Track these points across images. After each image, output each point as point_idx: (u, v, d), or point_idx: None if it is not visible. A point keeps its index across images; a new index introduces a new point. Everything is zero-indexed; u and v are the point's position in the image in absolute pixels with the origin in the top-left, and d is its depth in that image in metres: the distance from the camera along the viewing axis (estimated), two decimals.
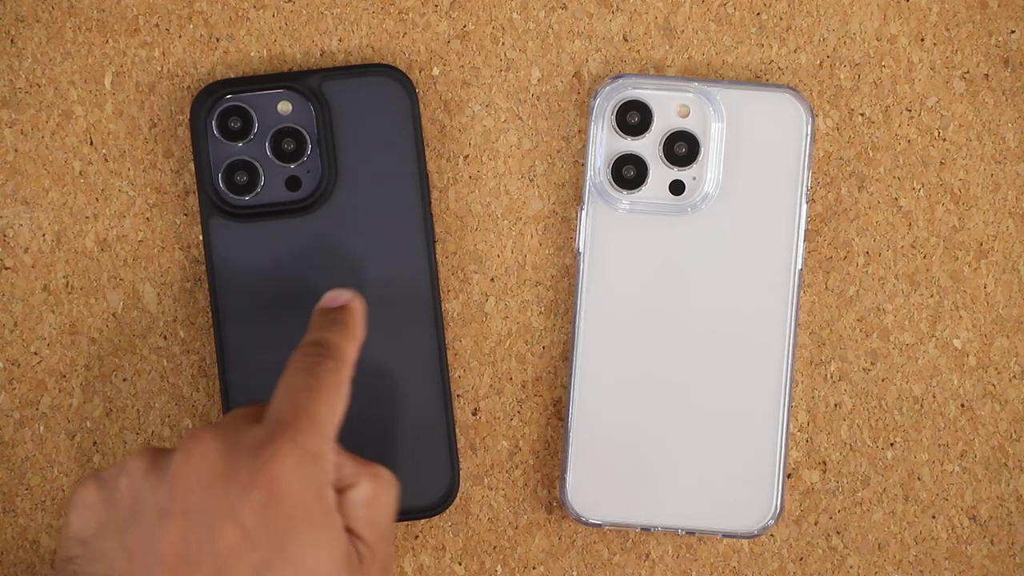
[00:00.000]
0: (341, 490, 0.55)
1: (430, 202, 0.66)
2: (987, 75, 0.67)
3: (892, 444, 0.67)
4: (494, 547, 0.67)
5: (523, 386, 0.67)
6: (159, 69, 0.66)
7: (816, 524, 0.67)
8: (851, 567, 0.67)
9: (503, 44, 0.67)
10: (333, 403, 0.56)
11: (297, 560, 0.52)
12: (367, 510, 0.55)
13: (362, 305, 0.60)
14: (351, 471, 0.55)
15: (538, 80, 0.67)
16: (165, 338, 0.67)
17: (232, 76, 0.66)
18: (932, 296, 0.67)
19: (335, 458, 0.55)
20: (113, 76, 0.66)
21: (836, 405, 0.67)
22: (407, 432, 0.65)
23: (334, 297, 0.60)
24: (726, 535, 0.65)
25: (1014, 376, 0.67)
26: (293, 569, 0.52)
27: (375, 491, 0.55)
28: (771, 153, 0.65)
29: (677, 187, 0.65)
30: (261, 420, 0.55)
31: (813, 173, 0.67)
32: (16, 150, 0.66)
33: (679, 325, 0.65)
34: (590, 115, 0.65)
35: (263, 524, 0.52)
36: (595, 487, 0.65)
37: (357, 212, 0.65)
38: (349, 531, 0.54)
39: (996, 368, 0.67)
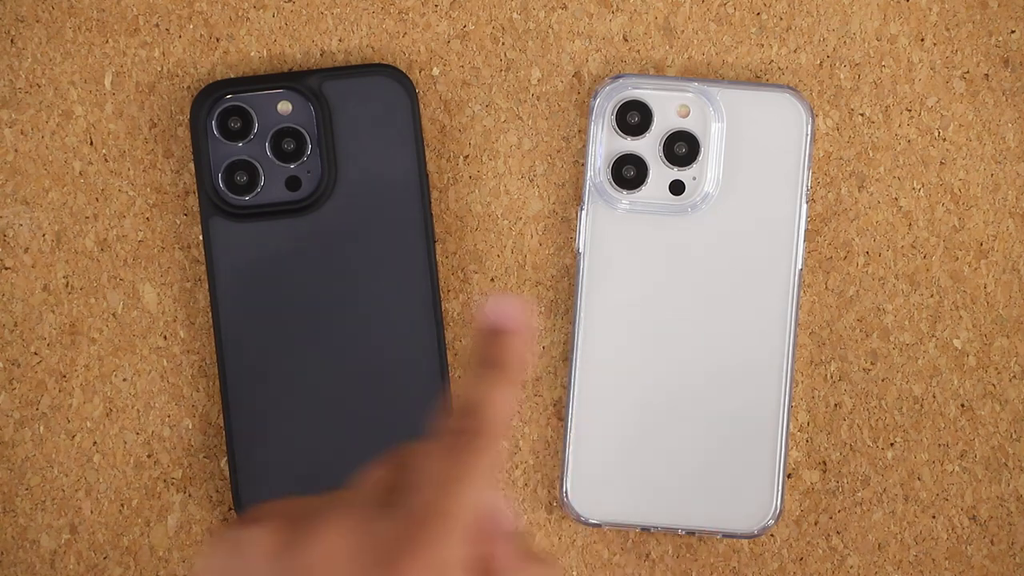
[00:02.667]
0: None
1: (430, 202, 0.66)
2: (987, 75, 0.67)
3: (892, 444, 0.67)
4: None
5: (523, 386, 0.67)
6: (159, 69, 0.66)
7: (816, 524, 0.67)
8: (851, 567, 0.67)
9: (503, 44, 0.67)
10: (482, 490, 0.48)
11: None
12: None
13: (532, 323, 0.52)
14: (505, 566, 0.49)
15: (538, 80, 0.67)
16: (165, 338, 0.67)
17: (232, 76, 0.66)
18: (932, 296, 0.67)
19: (471, 548, 0.48)
20: (113, 76, 0.66)
21: (836, 405, 0.67)
22: (407, 432, 0.65)
23: (502, 309, 0.49)
24: (726, 535, 0.65)
25: (1014, 376, 0.67)
26: None
27: None
28: (771, 153, 0.65)
29: (677, 187, 0.65)
30: (394, 497, 0.50)
31: (813, 173, 0.67)
32: (16, 150, 0.66)
33: (679, 325, 0.65)
34: (590, 115, 0.65)
35: None
36: (595, 487, 0.65)
37: (357, 212, 0.65)
38: None
39: (996, 368, 0.67)
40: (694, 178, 0.65)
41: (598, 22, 0.67)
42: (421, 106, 0.66)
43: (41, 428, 0.67)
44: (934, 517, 0.67)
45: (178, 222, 0.67)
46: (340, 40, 0.67)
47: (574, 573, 0.67)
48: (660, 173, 0.65)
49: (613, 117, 0.65)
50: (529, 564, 0.49)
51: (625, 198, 0.65)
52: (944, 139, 0.67)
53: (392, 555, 0.48)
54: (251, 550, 0.50)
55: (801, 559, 0.67)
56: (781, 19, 0.67)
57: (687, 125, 0.65)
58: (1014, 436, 0.67)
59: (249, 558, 0.50)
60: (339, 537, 0.48)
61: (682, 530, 0.65)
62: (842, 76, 0.67)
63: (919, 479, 0.67)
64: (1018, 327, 0.67)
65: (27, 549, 0.67)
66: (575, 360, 0.65)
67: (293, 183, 0.65)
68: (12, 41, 0.66)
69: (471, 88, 0.67)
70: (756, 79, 0.67)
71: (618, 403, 0.65)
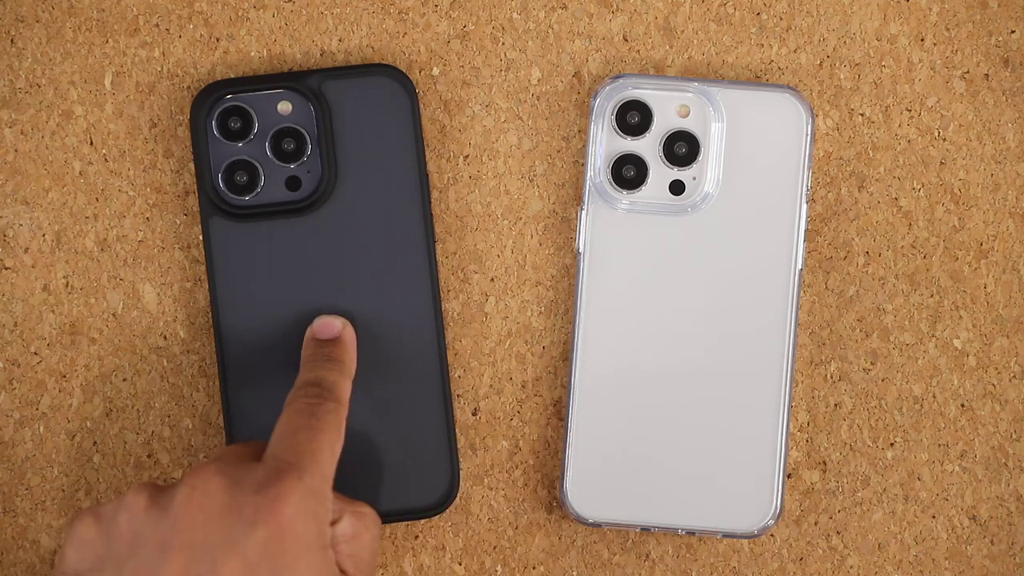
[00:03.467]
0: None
1: (430, 202, 0.66)
2: (987, 75, 0.67)
3: (892, 444, 0.67)
4: (494, 547, 0.67)
5: (523, 386, 0.67)
6: (159, 69, 0.66)
7: (816, 524, 0.67)
8: (851, 567, 0.67)
9: (503, 44, 0.67)
10: (333, 443, 0.57)
11: None
12: (348, 545, 0.57)
13: (353, 336, 0.63)
14: (336, 507, 0.57)
15: (538, 80, 0.67)
16: (165, 338, 0.67)
17: (232, 76, 0.66)
18: (932, 296, 0.67)
19: (331, 495, 0.56)
20: (113, 76, 0.66)
21: (836, 405, 0.67)
22: (407, 432, 0.65)
23: (326, 325, 0.63)
24: (726, 535, 0.65)
25: (1014, 376, 0.67)
26: None
27: (356, 527, 0.57)
28: (771, 153, 0.65)
29: (677, 187, 0.65)
30: (260, 459, 0.57)
31: (813, 173, 0.67)
32: (16, 150, 0.66)
33: (679, 325, 0.65)
34: (590, 115, 0.65)
35: (266, 558, 0.53)
36: (595, 487, 0.65)
37: (357, 212, 0.65)
38: None
39: (996, 368, 0.67)
40: (694, 178, 0.65)
41: (598, 22, 0.67)
42: (421, 106, 0.66)
43: (41, 428, 0.67)
44: (934, 517, 0.67)
45: (178, 222, 0.67)
46: (340, 40, 0.67)
47: (574, 573, 0.67)
48: (660, 173, 0.65)
49: (613, 117, 0.65)
50: (350, 504, 0.58)
51: (625, 198, 0.65)
52: (944, 139, 0.67)
53: (269, 485, 0.53)
54: (122, 516, 0.54)
55: (801, 559, 0.67)
56: (781, 19, 0.67)
57: (687, 125, 0.65)
58: (1014, 436, 0.67)
59: (122, 523, 0.54)
60: (213, 477, 0.53)
61: (682, 530, 0.65)
62: (842, 76, 0.67)
63: (919, 479, 0.67)
64: (1018, 327, 0.67)
65: (27, 549, 0.67)
66: (575, 360, 0.65)
67: (293, 183, 0.65)
68: (12, 41, 0.66)
69: (471, 88, 0.67)
70: (756, 79, 0.67)
71: (618, 403, 0.65)
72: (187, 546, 0.53)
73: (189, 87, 0.66)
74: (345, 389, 0.60)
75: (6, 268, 0.67)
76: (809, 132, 0.65)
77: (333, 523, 0.57)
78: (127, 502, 0.56)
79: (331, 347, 0.62)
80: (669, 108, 0.65)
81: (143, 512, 0.55)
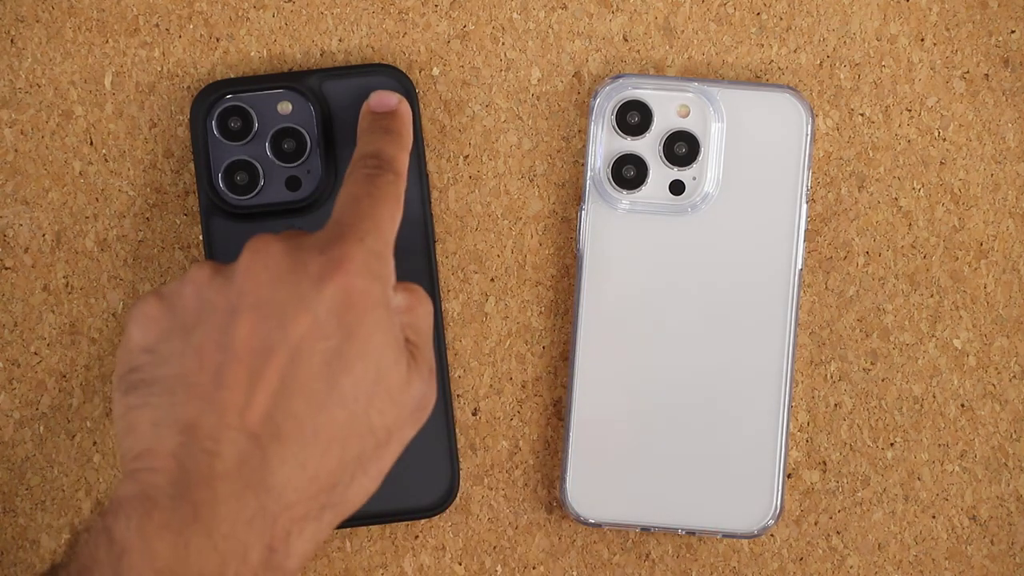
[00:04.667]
0: None
1: (430, 202, 0.66)
2: (987, 75, 0.67)
3: (892, 444, 0.67)
4: (494, 547, 0.67)
5: (523, 386, 0.67)
6: (159, 69, 0.66)
7: (816, 524, 0.67)
8: (851, 567, 0.67)
9: (503, 44, 0.67)
10: (393, 211, 0.57)
11: (365, 349, 0.54)
12: (407, 316, 0.57)
13: (408, 110, 0.62)
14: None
15: (538, 80, 0.67)
16: None
17: (232, 76, 0.66)
18: (932, 296, 0.67)
19: (393, 259, 0.57)
20: (113, 76, 0.66)
21: (836, 405, 0.67)
22: None
23: (383, 100, 0.62)
24: (726, 535, 0.65)
25: (1014, 376, 0.67)
26: (362, 357, 0.54)
27: (411, 300, 0.57)
28: (771, 153, 0.65)
29: (677, 187, 0.65)
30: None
31: (813, 173, 0.67)
32: (16, 150, 0.66)
33: (679, 325, 0.65)
34: (590, 115, 0.65)
35: (333, 314, 0.53)
36: (595, 487, 0.65)
37: None
38: None
39: (996, 368, 0.67)
40: (694, 178, 0.65)
41: (598, 22, 0.67)
42: (421, 106, 0.66)
43: (41, 428, 0.67)
44: (934, 517, 0.67)
45: (178, 222, 0.67)
46: (340, 40, 0.67)
47: (574, 573, 0.67)
48: (660, 173, 0.65)
49: (613, 117, 0.65)
50: (399, 283, 0.57)
51: (625, 198, 0.65)
52: (944, 139, 0.67)
53: (332, 245, 0.54)
54: (187, 289, 0.54)
55: (801, 559, 0.67)
56: (781, 19, 0.67)
57: (687, 125, 0.65)
58: (1014, 436, 0.67)
59: (187, 296, 0.54)
60: (275, 242, 0.55)
61: (682, 530, 0.65)
62: (842, 76, 0.67)
63: (919, 479, 0.67)
64: (1018, 327, 0.67)
65: (27, 549, 0.67)
66: (575, 360, 0.65)
67: (293, 183, 0.65)
68: (12, 41, 0.66)
69: (471, 88, 0.67)
70: (756, 79, 0.67)
71: (618, 403, 0.65)
72: (255, 306, 0.53)
73: (189, 87, 0.66)
74: (403, 162, 0.60)
75: (6, 268, 0.67)
76: (809, 132, 0.65)
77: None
78: (190, 276, 0.55)
79: (388, 119, 0.61)
80: (669, 108, 0.65)
81: (208, 282, 0.55)
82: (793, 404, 0.67)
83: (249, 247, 0.55)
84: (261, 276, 0.54)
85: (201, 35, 0.66)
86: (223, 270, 0.55)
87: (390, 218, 0.57)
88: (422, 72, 0.67)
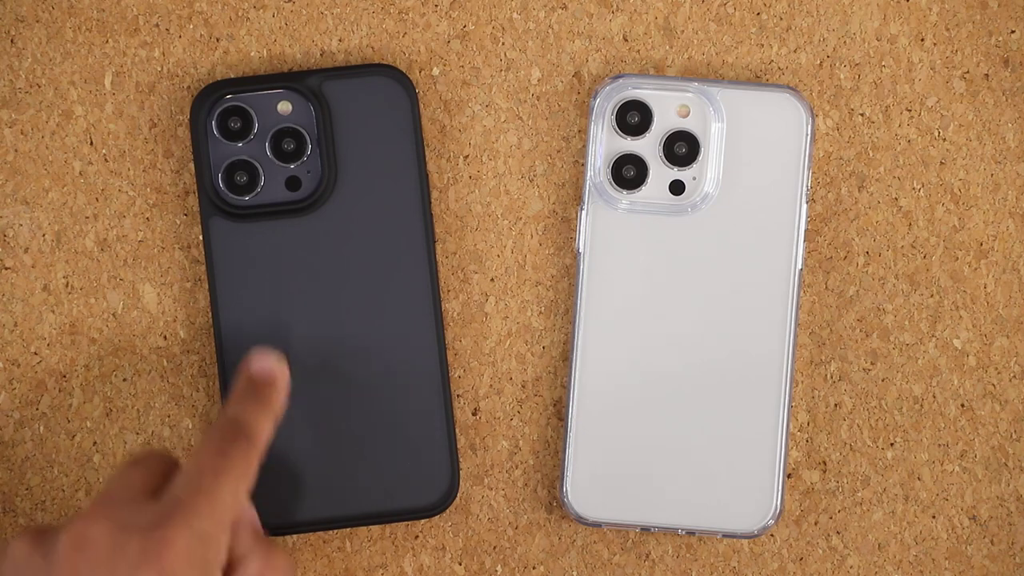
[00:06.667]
0: (231, 564, 0.56)
1: (430, 202, 0.66)
2: (987, 75, 0.67)
3: (892, 444, 0.67)
4: (494, 547, 0.67)
5: (523, 386, 0.67)
6: (159, 69, 0.66)
7: (816, 524, 0.67)
8: (851, 567, 0.67)
9: (503, 44, 0.67)
10: (237, 486, 0.56)
11: None
12: None
13: (286, 377, 0.61)
14: (245, 549, 0.57)
15: (538, 80, 0.67)
16: (165, 338, 0.67)
17: (232, 76, 0.66)
18: (932, 296, 0.67)
19: (228, 538, 0.56)
20: (113, 76, 0.66)
21: (836, 405, 0.67)
22: (407, 432, 0.65)
23: (262, 366, 0.61)
24: (726, 535, 0.65)
25: (1014, 376, 0.67)
26: None
27: (262, 571, 0.56)
28: (771, 153, 0.65)
29: (677, 187, 0.65)
30: (156, 486, 0.56)
31: (813, 173, 0.67)
32: (16, 150, 0.66)
33: (679, 325, 0.65)
34: (590, 115, 0.65)
35: None
36: (595, 487, 0.65)
37: (357, 212, 0.65)
38: None
39: (996, 368, 0.67)
40: (694, 178, 0.65)
41: (598, 22, 0.67)
42: (421, 106, 0.66)
43: (41, 428, 0.67)
44: (934, 517, 0.67)
45: (178, 222, 0.67)
46: (340, 40, 0.67)
47: (574, 573, 0.67)
48: (660, 173, 0.65)
49: (613, 117, 0.65)
50: (261, 547, 0.57)
51: (625, 198, 0.65)
52: (944, 139, 0.67)
53: (156, 528, 0.53)
54: (5, 566, 0.54)
55: (801, 559, 0.67)
56: (781, 19, 0.67)
57: (687, 125, 0.65)
58: (1014, 436, 0.67)
59: (4, 574, 0.53)
60: (97, 526, 0.53)
61: (682, 530, 0.65)
62: (842, 76, 0.67)
63: (919, 479, 0.67)
64: (1018, 327, 0.67)
65: None
66: (575, 360, 0.65)
67: (293, 183, 0.65)
68: (12, 41, 0.66)
69: (471, 88, 0.67)
70: (756, 79, 0.67)
71: (618, 403, 0.65)
72: None
73: (189, 87, 0.66)
74: (264, 430, 0.59)
75: (6, 268, 0.67)
76: (809, 132, 0.65)
77: (237, 565, 0.56)
78: (10, 551, 0.55)
79: (261, 387, 0.61)
80: (669, 108, 0.65)
81: (25, 560, 0.55)
82: (793, 404, 0.67)
83: (72, 527, 0.54)
84: (79, 564, 0.53)
85: (201, 35, 0.66)
86: (43, 546, 0.55)
87: (231, 493, 0.56)
88: (422, 72, 0.67)
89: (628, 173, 0.65)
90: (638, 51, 0.67)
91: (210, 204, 0.65)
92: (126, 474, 0.58)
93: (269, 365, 0.61)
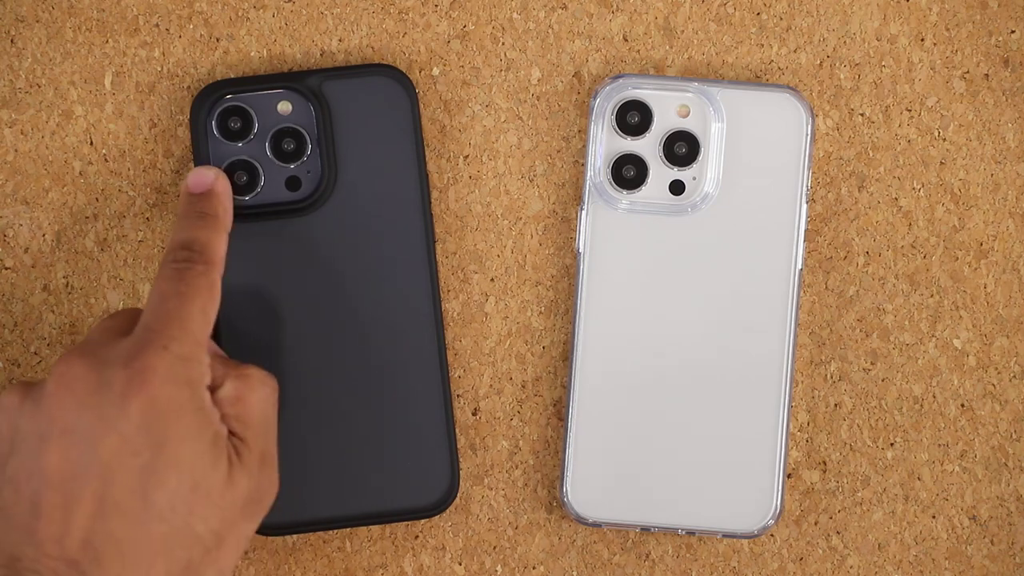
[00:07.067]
0: (211, 390, 0.57)
1: (430, 202, 0.66)
2: (987, 75, 0.67)
3: (892, 444, 0.67)
4: (494, 547, 0.67)
5: (523, 386, 0.67)
6: (159, 69, 0.66)
7: (816, 524, 0.67)
8: (851, 567, 0.67)
9: (503, 44, 0.67)
10: (204, 306, 0.57)
11: (177, 459, 0.54)
12: (233, 407, 0.57)
13: (227, 186, 0.61)
14: (219, 372, 0.57)
15: (538, 80, 0.67)
16: None
17: (232, 76, 0.66)
18: (932, 296, 0.67)
19: (207, 358, 0.57)
20: (113, 76, 0.66)
21: (836, 405, 0.67)
22: (407, 432, 0.65)
23: (199, 179, 0.61)
24: (726, 535, 0.65)
25: (1014, 376, 0.67)
26: (175, 467, 0.54)
27: (240, 390, 0.57)
28: (771, 153, 0.65)
29: (677, 187, 0.65)
30: (130, 331, 0.57)
31: (813, 173, 0.67)
32: (16, 150, 0.66)
33: (679, 325, 0.65)
34: (590, 115, 0.65)
35: (142, 430, 0.54)
36: (595, 487, 0.65)
37: (357, 212, 0.65)
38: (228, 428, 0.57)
39: (996, 368, 0.67)
40: (694, 178, 0.65)
41: (598, 22, 0.67)
42: (421, 106, 0.66)
43: None
44: (934, 517, 0.67)
45: None
46: (340, 40, 0.67)
47: (574, 573, 0.67)
48: (660, 173, 0.65)
49: (613, 117, 0.65)
50: (234, 368, 0.57)
51: (625, 198, 0.65)
52: (944, 139, 0.67)
53: (135, 358, 0.54)
54: None
55: (801, 559, 0.67)
56: (781, 19, 0.67)
57: (687, 125, 0.65)
58: (1014, 436, 0.67)
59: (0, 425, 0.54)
60: (79, 362, 0.55)
61: (682, 530, 0.65)
62: (842, 76, 0.67)
63: (919, 479, 0.67)
64: (1018, 327, 0.67)
65: None
66: (575, 360, 0.65)
67: (293, 183, 0.65)
68: (12, 41, 0.66)
69: (471, 88, 0.67)
70: (756, 79, 0.67)
71: (618, 403, 0.65)
72: (64, 431, 0.54)
73: (189, 87, 0.66)
74: (218, 247, 0.59)
75: (6, 268, 0.67)
76: (809, 132, 0.65)
77: (216, 387, 0.57)
78: (2, 403, 0.56)
79: (204, 202, 0.61)
80: (669, 108, 0.65)
81: (16, 409, 0.56)
82: (793, 404, 0.67)
83: (55, 370, 0.55)
84: (67, 400, 0.54)
85: (201, 35, 0.66)
86: (32, 393, 0.56)
87: (200, 313, 0.57)
88: (422, 72, 0.67)
89: (628, 173, 0.65)
90: (638, 51, 0.67)
91: None
92: (101, 325, 0.58)
93: (205, 177, 0.61)
